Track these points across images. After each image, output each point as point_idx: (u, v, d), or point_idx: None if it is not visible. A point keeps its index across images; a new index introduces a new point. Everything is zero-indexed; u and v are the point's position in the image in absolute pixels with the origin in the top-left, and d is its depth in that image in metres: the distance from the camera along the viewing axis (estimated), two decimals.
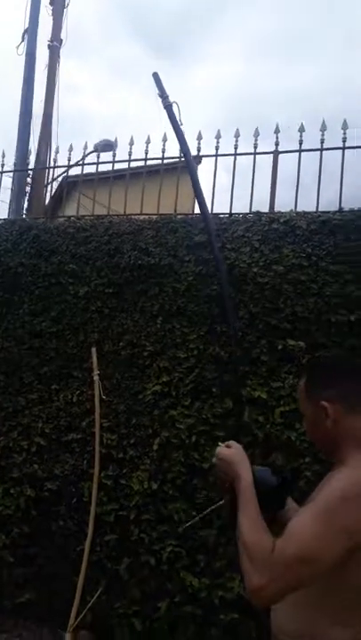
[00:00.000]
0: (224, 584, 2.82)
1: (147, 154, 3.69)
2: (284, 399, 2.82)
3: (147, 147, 3.67)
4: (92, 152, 7.04)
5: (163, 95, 1.57)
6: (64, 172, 5.39)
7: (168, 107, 1.48)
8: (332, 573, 1.14)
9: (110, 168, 3.96)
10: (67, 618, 2.99)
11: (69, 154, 4.09)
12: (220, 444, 1.43)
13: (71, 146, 4.09)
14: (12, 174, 5.78)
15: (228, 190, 3.42)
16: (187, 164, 2.10)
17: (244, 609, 2.73)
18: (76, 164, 4.39)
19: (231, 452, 1.39)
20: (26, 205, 6.81)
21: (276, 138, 3.32)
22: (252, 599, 1.18)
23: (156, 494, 3.05)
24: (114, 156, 3.91)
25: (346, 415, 1.27)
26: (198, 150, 3.49)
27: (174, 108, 1.50)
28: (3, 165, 4.27)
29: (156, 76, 1.75)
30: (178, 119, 1.44)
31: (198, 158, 3.59)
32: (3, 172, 4.31)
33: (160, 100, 1.53)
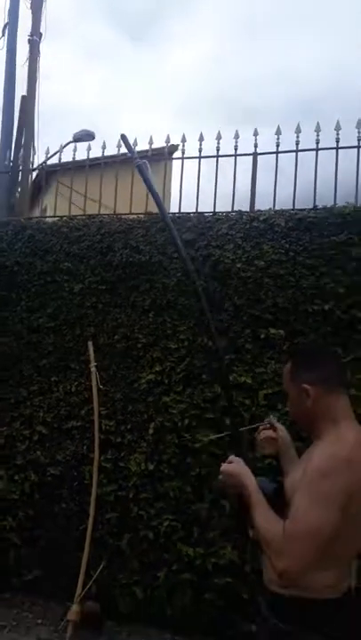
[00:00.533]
0: (217, 552, 3.08)
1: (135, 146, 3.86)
2: (267, 383, 3.08)
3: (135, 140, 3.85)
4: (72, 142, 7.15)
5: (133, 156, 1.74)
6: (42, 164, 5.50)
7: (138, 166, 1.65)
8: None
9: (93, 162, 4.11)
10: (72, 592, 3.21)
11: (60, 155, 4.25)
12: (222, 464, 1.59)
13: (61, 146, 4.26)
14: None
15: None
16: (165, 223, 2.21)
17: (236, 573, 3.02)
18: (64, 164, 4.54)
19: (234, 466, 1.57)
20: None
21: (255, 140, 3.54)
22: (283, 582, 1.37)
23: (153, 474, 3.29)
24: (103, 150, 4.04)
25: (324, 396, 1.46)
26: (183, 152, 3.72)
27: (144, 167, 1.67)
28: None
29: (124, 137, 1.93)
30: (149, 177, 1.60)
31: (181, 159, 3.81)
32: None
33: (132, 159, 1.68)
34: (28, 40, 7.91)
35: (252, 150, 3.60)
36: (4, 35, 7.63)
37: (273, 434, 1.77)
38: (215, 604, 3.07)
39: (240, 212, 3.42)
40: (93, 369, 3.44)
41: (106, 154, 4.05)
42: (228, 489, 1.60)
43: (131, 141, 3.80)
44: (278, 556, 1.34)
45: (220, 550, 3.07)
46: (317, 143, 3.38)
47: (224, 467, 1.59)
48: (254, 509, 1.45)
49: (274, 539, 1.36)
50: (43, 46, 7.22)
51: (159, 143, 3.94)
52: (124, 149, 3.93)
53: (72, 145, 4.64)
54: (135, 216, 3.76)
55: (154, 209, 3.85)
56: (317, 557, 1.33)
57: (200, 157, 3.67)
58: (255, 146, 3.57)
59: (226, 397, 2.74)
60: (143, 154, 3.86)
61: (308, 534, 1.32)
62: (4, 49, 7.47)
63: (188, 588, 3.15)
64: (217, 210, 3.58)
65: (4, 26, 7.62)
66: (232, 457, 1.61)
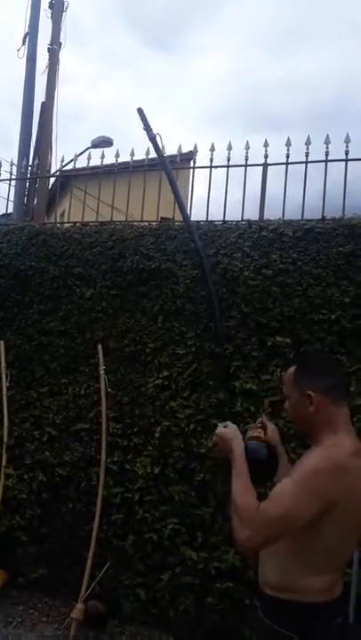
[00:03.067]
0: (220, 556, 3.12)
1: (148, 155, 3.93)
2: (272, 390, 3.11)
3: (147, 156, 3.93)
4: (90, 148, 7.26)
5: (147, 129, 1.81)
6: (58, 170, 5.63)
7: (152, 139, 1.73)
8: (305, 534, 1.41)
9: (107, 168, 4.20)
10: (77, 591, 3.28)
11: (74, 163, 4.35)
12: (219, 424, 1.68)
13: (75, 155, 4.37)
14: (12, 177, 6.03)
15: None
16: (174, 193, 2.33)
17: (238, 578, 3.05)
18: (82, 170, 4.65)
19: (226, 430, 1.65)
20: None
21: (265, 151, 3.59)
22: (240, 548, 1.46)
23: (158, 478, 3.34)
24: (117, 157, 4.12)
25: (326, 405, 1.51)
26: (194, 162, 3.79)
27: (158, 139, 1.75)
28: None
29: (140, 111, 2.01)
30: (161, 147, 1.68)
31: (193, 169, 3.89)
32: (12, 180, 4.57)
33: (146, 132, 1.75)
34: (48, 49, 8.11)
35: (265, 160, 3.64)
36: (24, 44, 7.82)
37: (260, 432, 1.83)
38: (217, 608, 3.11)
39: (249, 222, 3.48)
40: (102, 372, 3.51)
41: (126, 159, 4.12)
42: (218, 452, 1.66)
43: (144, 150, 3.93)
44: (244, 525, 1.41)
45: (223, 555, 3.11)
46: (326, 155, 3.42)
47: (219, 429, 1.66)
48: (235, 476, 1.51)
49: (245, 507, 1.43)
50: (66, 52, 7.39)
51: (174, 151, 3.99)
52: (136, 157, 4.02)
53: (89, 151, 4.75)
54: (147, 223, 3.83)
55: (164, 215, 3.96)
56: (278, 540, 1.41)
57: (211, 167, 3.73)
58: (265, 157, 3.62)
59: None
60: (155, 161, 3.94)
61: (280, 516, 1.39)
62: (25, 57, 7.65)
63: (190, 591, 3.18)
64: (228, 218, 3.64)
65: (25, 35, 7.81)
66: (228, 422, 1.69)
